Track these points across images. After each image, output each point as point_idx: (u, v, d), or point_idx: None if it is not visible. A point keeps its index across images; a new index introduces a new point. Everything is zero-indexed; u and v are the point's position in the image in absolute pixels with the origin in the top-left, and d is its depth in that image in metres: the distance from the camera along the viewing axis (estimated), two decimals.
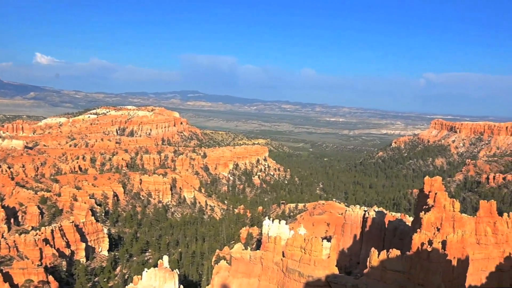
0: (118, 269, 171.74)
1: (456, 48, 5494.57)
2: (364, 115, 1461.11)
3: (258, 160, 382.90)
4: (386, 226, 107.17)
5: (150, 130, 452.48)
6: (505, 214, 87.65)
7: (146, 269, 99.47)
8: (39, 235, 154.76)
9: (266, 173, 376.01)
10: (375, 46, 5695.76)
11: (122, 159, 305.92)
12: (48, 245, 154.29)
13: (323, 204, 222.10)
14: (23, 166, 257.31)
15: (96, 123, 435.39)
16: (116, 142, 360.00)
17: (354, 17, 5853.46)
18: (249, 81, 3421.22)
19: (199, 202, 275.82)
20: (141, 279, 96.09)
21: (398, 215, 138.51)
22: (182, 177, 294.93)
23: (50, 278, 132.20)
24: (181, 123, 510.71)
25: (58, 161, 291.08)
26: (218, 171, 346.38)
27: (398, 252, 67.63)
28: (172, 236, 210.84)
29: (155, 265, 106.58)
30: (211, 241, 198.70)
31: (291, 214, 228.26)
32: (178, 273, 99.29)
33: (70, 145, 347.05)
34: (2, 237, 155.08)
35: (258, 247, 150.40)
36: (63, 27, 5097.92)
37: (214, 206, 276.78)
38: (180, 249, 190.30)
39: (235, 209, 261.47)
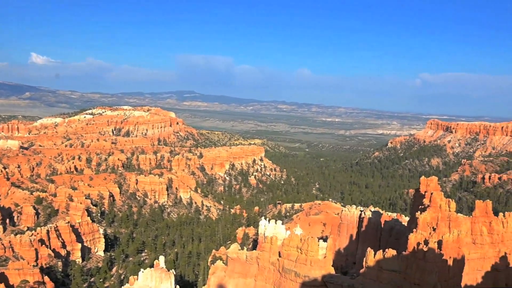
0: (114, 269, 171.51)
1: (452, 49, 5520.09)
2: (360, 115, 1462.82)
3: (254, 160, 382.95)
4: (382, 226, 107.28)
5: (146, 130, 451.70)
6: (501, 214, 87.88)
7: (142, 270, 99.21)
8: (35, 236, 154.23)
9: (262, 173, 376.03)
10: (371, 47, 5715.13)
11: (118, 159, 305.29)
12: (43, 245, 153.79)
13: (319, 204, 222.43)
14: (19, 167, 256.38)
15: (92, 123, 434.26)
16: (112, 142, 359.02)
17: (350, 18, 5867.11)
18: (245, 81, 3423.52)
19: (195, 202, 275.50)
20: (137, 279, 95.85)
21: (394, 215, 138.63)
22: (178, 177, 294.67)
23: (46, 278, 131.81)
24: (177, 123, 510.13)
25: (54, 161, 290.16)
26: (214, 171, 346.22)
27: (394, 252, 67.74)
28: (168, 236, 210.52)
29: (151, 266, 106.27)
30: (207, 241, 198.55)
31: (288, 214, 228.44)
32: (174, 273, 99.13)
33: (66, 146, 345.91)
34: None
35: (254, 247, 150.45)
36: (59, 27, 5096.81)
37: (210, 206, 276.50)
38: (176, 250, 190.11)
39: (231, 209, 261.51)
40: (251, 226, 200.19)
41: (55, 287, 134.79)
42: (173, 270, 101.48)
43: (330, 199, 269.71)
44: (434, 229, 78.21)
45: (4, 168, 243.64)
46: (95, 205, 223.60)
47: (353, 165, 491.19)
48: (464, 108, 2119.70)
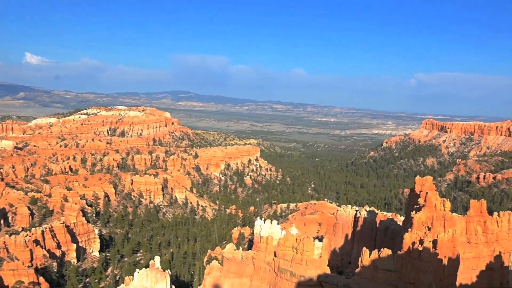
0: (109, 269, 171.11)
1: (447, 49, 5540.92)
2: (355, 115, 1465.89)
3: (249, 160, 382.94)
4: (378, 225, 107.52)
5: (141, 130, 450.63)
6: (495, 214, 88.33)
7: (137, 270, 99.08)
8: (30, 236, 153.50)
9: (258, 173, 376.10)
10: (366, 47, 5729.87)
11: (113, 159, 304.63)
12: (38, 246, 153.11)
13: (314, 204, 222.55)
14: (13, 167, 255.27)
15: (87, 124, 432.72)
16: (107, 143, 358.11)
17: (345, 18, 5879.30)
18: (240, 81, 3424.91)
19: (191, 203, 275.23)
20: (132, 279, 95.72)
21: (389, 214, 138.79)
22: (174, 178, 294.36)
23: (41, 279, 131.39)
24: (173, 123, 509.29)
25: (49, 161, 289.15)
26: (209, 171, 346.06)
27: (389, 252, 67.89)
28: (163, 236, 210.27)
29: (147, 266, 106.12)
30: (203, 241, 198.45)
31: (283, 214, 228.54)
32: (170, 273, 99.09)
33: (61, 146, 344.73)
34: None
35: (250, 247, 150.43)
36: (54, 27, 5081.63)
37: (205, 207, 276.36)
38: (171, 250, 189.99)
39: (226, 209, 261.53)
40: (247, 226, 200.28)
41: None
42: (168, 270, 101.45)
43: (325, 199, 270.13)
44: (429, 229, 78.41)
45: None
46: (90, 206, 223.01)
47: (349, 165, 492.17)
48: (459, 108, 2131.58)
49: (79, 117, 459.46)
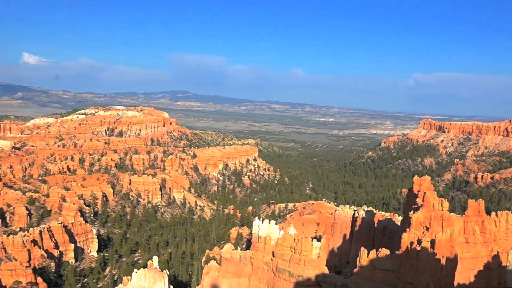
0: (107, 270, 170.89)
1: (445, 49, 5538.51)
2: (353, 115, 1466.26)
3: (248, 160, 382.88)
4: (376, 225, 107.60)
5: (140, 130, 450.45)
6: (493, 213, 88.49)
7: (135, 270, 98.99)
8: (27, 236, 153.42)
9: (256, 173, 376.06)
10: (365, 47, 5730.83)
11: (111, 159, 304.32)
12: (36, 246, 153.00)
13: (313, 204, 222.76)
14: (11, 167, 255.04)
15: (85, 124, 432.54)
16: (105, 143, 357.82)
17: (344, 18, 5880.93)
18: (239, 81, 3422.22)
19: (189, 203, 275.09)
20: (130, 279, 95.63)
21: (387, 214, 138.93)
22: (172, 178, 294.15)
23: (39, 279, 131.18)
24: (171, 123, 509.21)
25: (46, 161, 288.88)
26: (207, 171, 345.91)
27: (387, 251, 67.89)
28: (161, 236, 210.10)
29: (145, 266, 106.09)
30: (201, 241, 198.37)
31: (281, 214, 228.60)
32: (168, 273, 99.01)
33: (59, 146, 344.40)
34: None
35: (248, 247, 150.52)
36: (51, 26, 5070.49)
37: (204, 207, 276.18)
38: (170, 250, 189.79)
39: (225, 209, 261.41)
40: (245, 226, 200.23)
41: None
42: (166, 270, 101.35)
43: (323, 199, 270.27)
44: (427, 229, 78.46)
45: None
46: (88, 206, 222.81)
47: (347, 165, 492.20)
48: (457, 108, 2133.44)
49: (77, 117, 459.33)
